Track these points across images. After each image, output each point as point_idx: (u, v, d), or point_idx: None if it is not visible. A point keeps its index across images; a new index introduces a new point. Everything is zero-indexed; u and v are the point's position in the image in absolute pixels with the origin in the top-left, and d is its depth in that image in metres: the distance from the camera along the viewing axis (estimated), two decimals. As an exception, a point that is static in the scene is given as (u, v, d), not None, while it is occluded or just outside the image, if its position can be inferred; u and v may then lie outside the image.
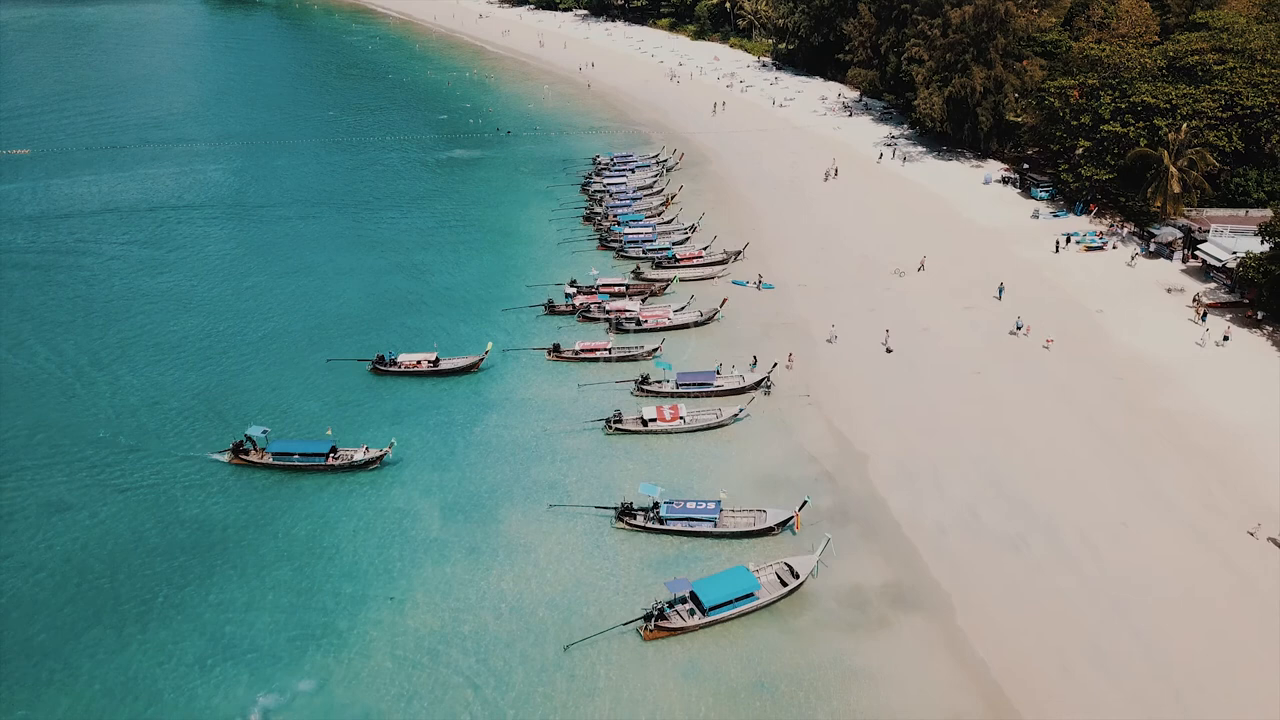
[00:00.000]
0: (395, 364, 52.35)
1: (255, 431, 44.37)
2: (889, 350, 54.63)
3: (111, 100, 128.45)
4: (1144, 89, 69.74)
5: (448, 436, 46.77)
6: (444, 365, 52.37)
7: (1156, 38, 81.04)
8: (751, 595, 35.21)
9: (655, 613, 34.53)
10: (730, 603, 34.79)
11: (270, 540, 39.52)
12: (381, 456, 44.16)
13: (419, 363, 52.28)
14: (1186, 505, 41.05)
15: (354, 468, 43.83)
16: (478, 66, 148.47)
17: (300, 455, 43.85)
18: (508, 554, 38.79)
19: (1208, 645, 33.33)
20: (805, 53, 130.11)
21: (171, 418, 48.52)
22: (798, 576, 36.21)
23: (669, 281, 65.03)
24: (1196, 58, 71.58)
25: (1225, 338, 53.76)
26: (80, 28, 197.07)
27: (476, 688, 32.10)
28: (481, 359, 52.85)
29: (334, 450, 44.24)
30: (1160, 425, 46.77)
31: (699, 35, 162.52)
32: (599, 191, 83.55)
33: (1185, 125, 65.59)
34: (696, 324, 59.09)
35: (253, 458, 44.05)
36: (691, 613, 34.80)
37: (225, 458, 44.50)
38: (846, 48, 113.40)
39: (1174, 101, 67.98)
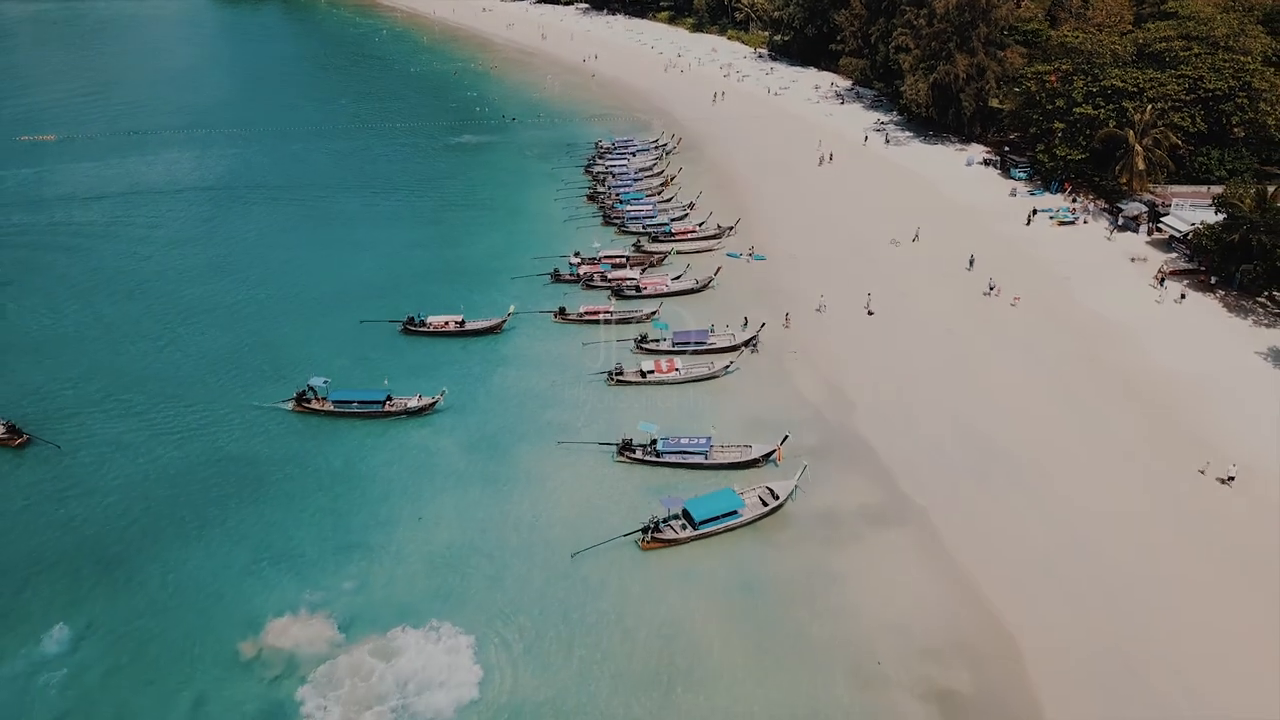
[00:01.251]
0: (425, 324, 56.92)
1: (317, 381, 48.76)
2: (870, 313, 59.20)
3: (130, 89, 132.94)
4: (1114, 74, 74.24)
5: (468, 387, 51.18)
6: (470, 326, 56.98)
7: (1130, 26, 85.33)
8: (736, 513, 39.86)
9: (652, 526, 39.22)
10: (717, 518, 39.46)
11: (312, 473, 44.09)
12: (434, 403, 48.63)
13: (447, 323, 56.90)
14: (1135, 444, 45.55)
15: (408, 414, 48.22)
16: (482, 58, 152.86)
17: (359, 403, 48.28)
18: (521, 482, 43.42)
19: (1141, 560, 37.61)
20: (800, 44, 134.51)
21: (229, 372, 52.93)
22: (777, 498, 40.89)
23: (667, 253, 69.65)
24: (1164, 45, 76.05)
25: (1182, 296, 58.40)
26: (93, 21, 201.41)
27: (499, 587, 36.78)
28: (505, 320, 57.50)
29: (389, 398, 48.60)
30: (1116, 376, 51.38)
31: (697, 28, 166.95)
32: (602, 173, 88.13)
33: (1150, 107, 70.06)
34: (692, 291, 63.66)
35: (314, 405, 48.48)
36: (684, 527, 39.45)
37: (289, 406, 48.91)
38: (838, 38, 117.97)
39: (1141, 85, 72.47)
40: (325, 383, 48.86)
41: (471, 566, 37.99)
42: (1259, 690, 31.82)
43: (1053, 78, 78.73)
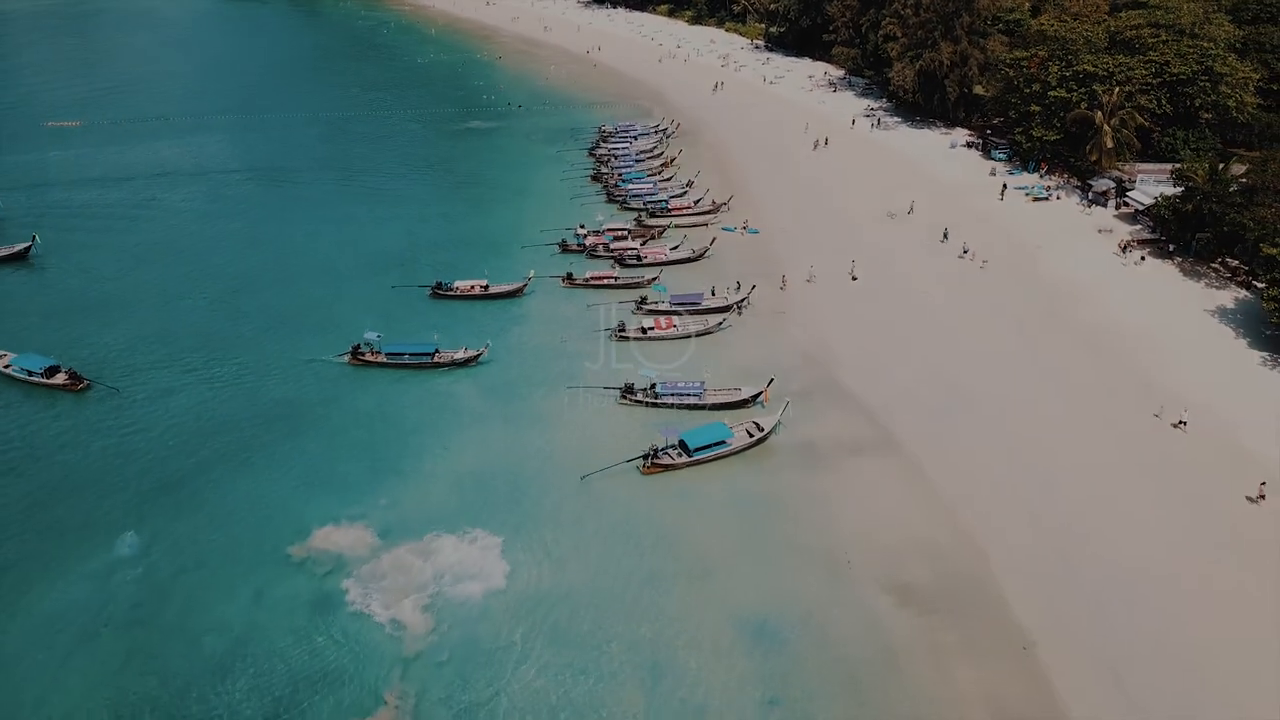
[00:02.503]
0: (452, 289, 61.76)
1: (370, 336, 53.51)
2: (854, 279, 64.04)
3: (145, 78, 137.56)
4: (1087, 59, 78.93)
5: (486, 341, 55.60)
6: (493, 290, 61.86)
7: (1106, 15, 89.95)
8: (725, 443, 44.78)
9: (651, 454, 44.16)
10: (709, 447, 44.38)
11: (349, 413, 48.91)
12: (478, 355, 53.31)
13: (473, 287, 61.81)
14: (1094, 389, 50.31)
15: (455, 365, 52.92)
16: (488, 49, 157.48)
17: (410, 355, 53.02)
18: (534, 420, 48.35)
19: (1095, 488, 41.98)
20: (795, 35, 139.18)
21: (273, 329, 57.69)
22: (763, 430, 45.83)
23: (666, 227, 74.53)
24: (1134, 32, 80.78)
25: (1142, 258, 63.40)
26: (101, 16, 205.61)
27: (519, 502, 41.70)
28: (526, 284, 62.38)
29: (438, 351, 53.30)
30: (1077, 330, 56.29)
31: (696, 20, 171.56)
32: (605, 155, 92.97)
33: (1118, 90, 74.81)
34: (689, 260, 68.50)
35: (368, 358, 53.22)
36: (680, 454, 44.36)
37: (345, 359, 53.57)
38: (831, 28, 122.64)
39: (1111, 70, 77.19)
40: (378, 337, 53.59)
41: (493, 487, 42.90)
42: (1181, 585, 36.71)
43: (1032, 64, 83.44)
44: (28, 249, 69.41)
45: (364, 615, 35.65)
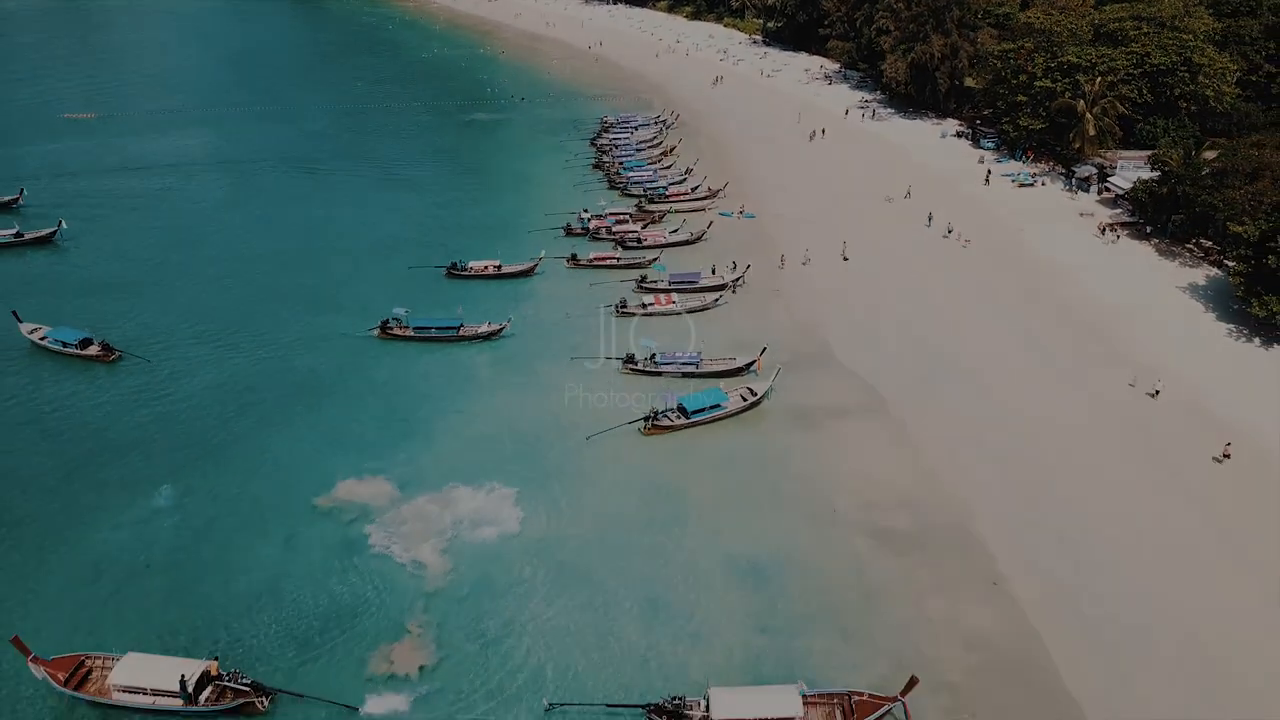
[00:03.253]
0: (467, 269, 64.85)
1: (399, 311, 56.50)
2: (846, 259, 67.11)
3: (155, 73, 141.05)
4: (1072, 51, 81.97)
5: (498, 318, 58.55)
6: (506, 270, 64.96)
7: (1091, 9, 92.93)
8: (720, 406, 47.84)
9: (652, 416, 47.22)
10: (705, 409, 47.43)
11: (368, 382, 51.94)
12: (501, 329, 56.31)
13: (486, 267, 64.93)
14: (1071, 360, 53.23)
15: (479, 338, 55.93)
16: (491, 44, 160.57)
17: (436, 329, 56.04)
18: (542, 388, 51.34)
19: (1069, 448, 44.73)
20: (791, 30, 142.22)
21: (296, 305, 60.81)
22: (756, 395, 48.91)
23: (665, 212, 77.60)
24: (1117, 24, 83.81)
25: (1117, 236, 66.46)
26: (113, 11, 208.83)
27: (529, 459, 44.68)
28: (536, 264, 65.53)
29: (462, 325, 56.27)
30: (1056, 305, 59.40)
31: (695, 16, 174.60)
32: (606, 145, 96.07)
33: (1100, 80, 77.82)
34: (688, 243, 71.57)
35: (397, 332, 56.21)
36: (678, 416, 47.42)
37: (375, 333, 56.53)
38: (826, 22, 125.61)
39: (1094, 61, 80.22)
40: (406, 312, 56.62)
41: (505, 446, 45.89)
42: (1143, 530, 39.71)
43: (1020, 55, 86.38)
44: (54, 233, 72.47)
45: (387, 556, 38.64)
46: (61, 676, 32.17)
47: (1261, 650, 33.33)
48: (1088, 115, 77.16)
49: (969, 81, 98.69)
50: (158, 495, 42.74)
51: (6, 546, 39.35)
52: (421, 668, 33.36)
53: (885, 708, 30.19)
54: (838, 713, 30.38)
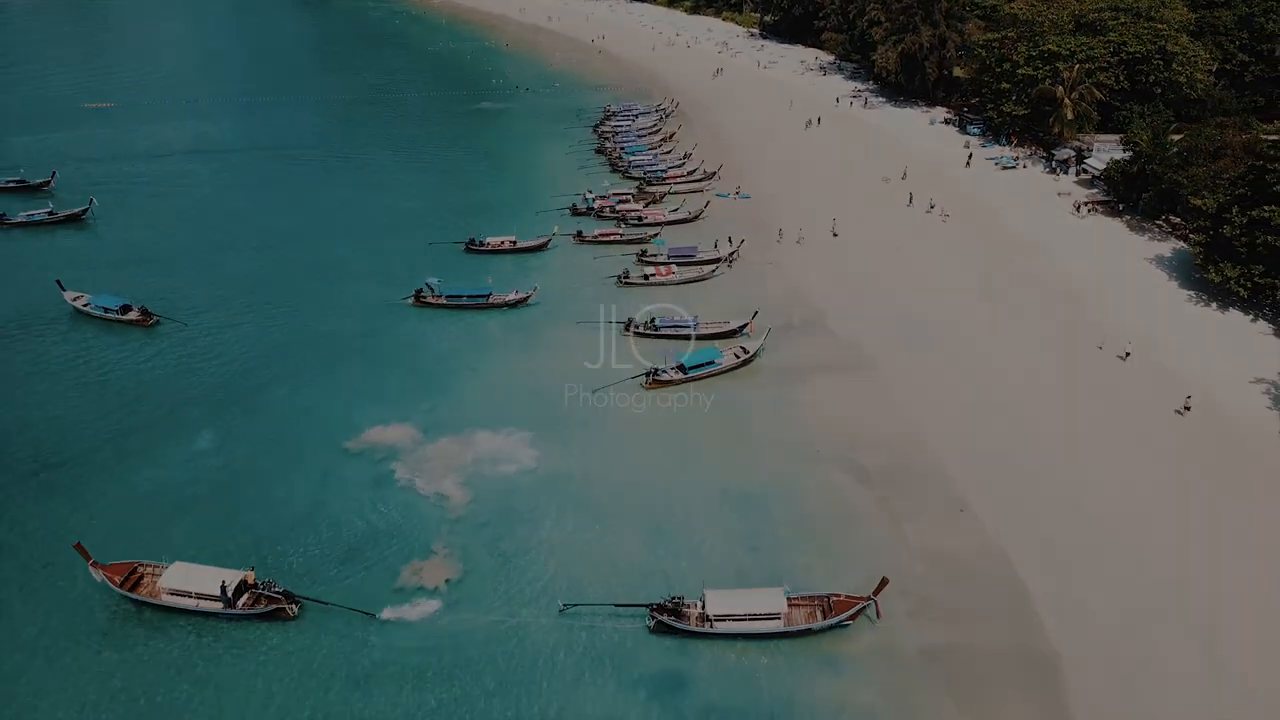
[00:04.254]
0: (484, 244, 68.98)
1: (432, 280, 60.55)
2: (835, 235, 71.18)
3: (167, 65, 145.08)
4: (1053, 40, 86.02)
5: (508, 290, 62.41)
6: (521, 245, 69.08)
7: (1073, 0, 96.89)
8: (715, 363, 51.97)
9: (653, 372, 51.30)
10: (702, 366, 51.53)
11: (389, 344, 56.00)
12: (528, 297, 60.31)
13: (502, 242, 69.07)
14: (1044, 325, 57.15)
15: (507, 305, 59.93)
16: (495, 38, 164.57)
17: (467, 297, 60.05)
18: (552, 349, 55.38)
19: (1036, 401, 48.57)
20: (788, 23, 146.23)
21: (323, 276, 64.85)
22: (748, 353, 53.03)
23: (664, 193, 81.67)
24: (1096, 15, 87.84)
25: (1088, 211, 70.65)
26: (123, 6, 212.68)
27: (540, 408, 48.65)
28: (549, 240, 69.70)
29: (492, 293, 60.23)
30: (1031, 275, 63.29)
31: (694, 10, 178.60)
32: (608, 132, 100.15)
33: (1078, 67, 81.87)
34: (686, 221, 75.64)
35: (430, 300, 60.24)
36: (677, 372, 51.50)
37: (410, 301, 60.56)
38: (820, 15, 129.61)
39: (1073, 49, 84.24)
40: (438, 281, 60.69)
41: (520, 398, 49.91)
42: (1101, 469, 43.76)
43: (1004, 45, 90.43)
44: (85, 211, 76.54)
45: (413, 490, 42.68)
46: (117, 579, 36.34)
47: (1196, 558, 37.45)
48: (1066, 101, 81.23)
49: (958, 71, 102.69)
50: (200, 439, 46.85)
51: (67, 479, 43.49)
52: (448, 580, 37.40)
53: (859, 605, 34.28)
54: (818, 611, 34.48)
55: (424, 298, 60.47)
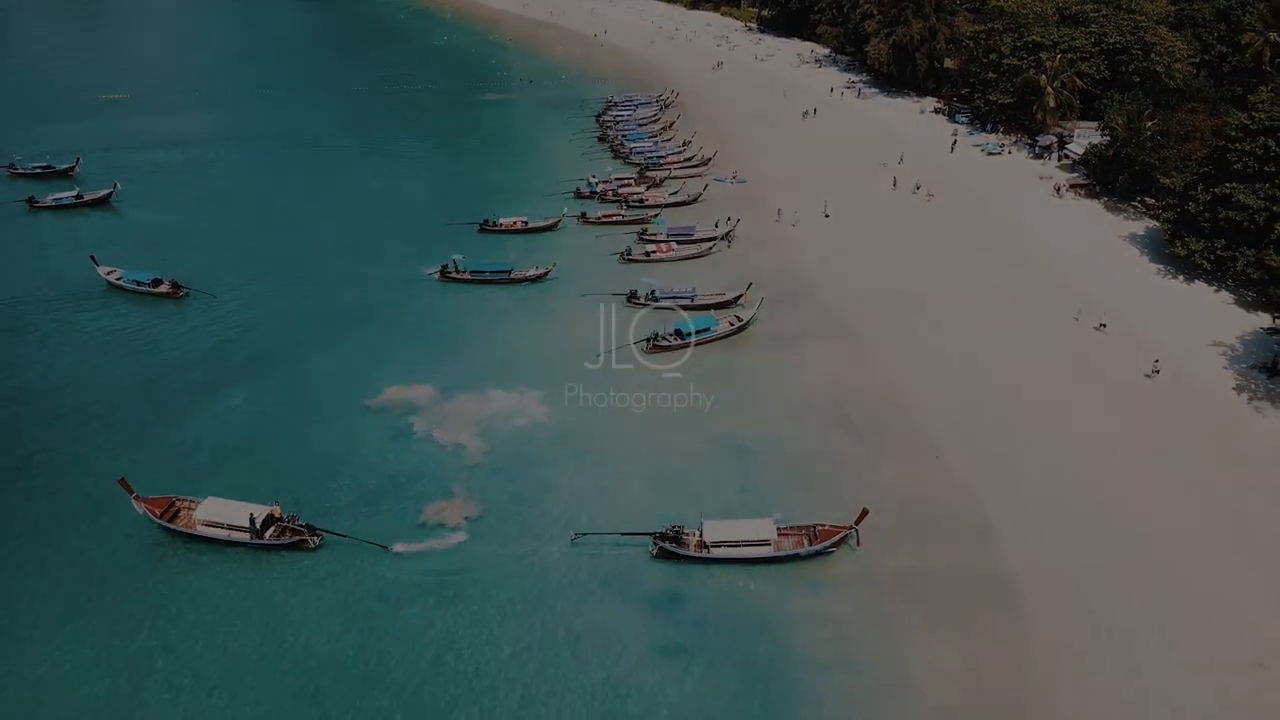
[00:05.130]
0: (498, 224, 72.70)
1: (457, 257, 64.16)
2: (826, 215, 74.83)
3: (181, 58, 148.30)
4: (1036, 31, 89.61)
5: (529, 266, 65.66)
6: (532, 225, 72.85)
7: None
8: (711, 330, 55.64)
9: (653, 337, 54.95)
10: (699, 332, 55.18)
11: (407, 313, 59.75)
12: (547, 273, 63.97)
13: (515, 223, 72.82)
14: (1022, 297, 60.67)
15: (528, 280, 63.63)
16: (499, 32, 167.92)
17: (491, 272, 63.77)
18: (560, 319, 58.95)
19: (1012, 364, 52.22)
20: (785, 17, 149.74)
21: (348, 254, 68.44)
22: (742, 321, 56.72)
23: (665, 177, 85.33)
24: (1078, 7, 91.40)
25: (1064, 191, 74.46)
26: (124, 4, 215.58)
27: (550, 370, 52.10)
28: (559, 221, 73.51)
29: (513, 269, 63.95)
30: (1009, 252, 67.03)
31: (693, 5, 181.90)
32: (610, 121, 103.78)
33: (1060, 56, 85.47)
34: (685, 203, 79.28)
35: (455, 275, 63.78)
36: (675, 338, 55.13)
37: (436, 276, 64.14)
38: (816, 9, 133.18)
39: (1056, 40, 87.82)
40: (463, 258, 64.31)
41: (531, 362, 53.44)
42: (1068, 423, 47.39)
43: (990, 37, 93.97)
44: (110, 194, 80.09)
45: (432, 440, 46.26)
46: (157, 511, 40.05)
47: (1150, 494, 41.12)
48: (1049, 89, 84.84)
49: (948, 63, 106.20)
50: (232, 396, 50.51)
51: (110, 430, 47.17)
52: (467, 518, 40.98)
53: (842, 534, 37.96)
54: (805, 539, 38.13)
55: (449, 273, 64.02)
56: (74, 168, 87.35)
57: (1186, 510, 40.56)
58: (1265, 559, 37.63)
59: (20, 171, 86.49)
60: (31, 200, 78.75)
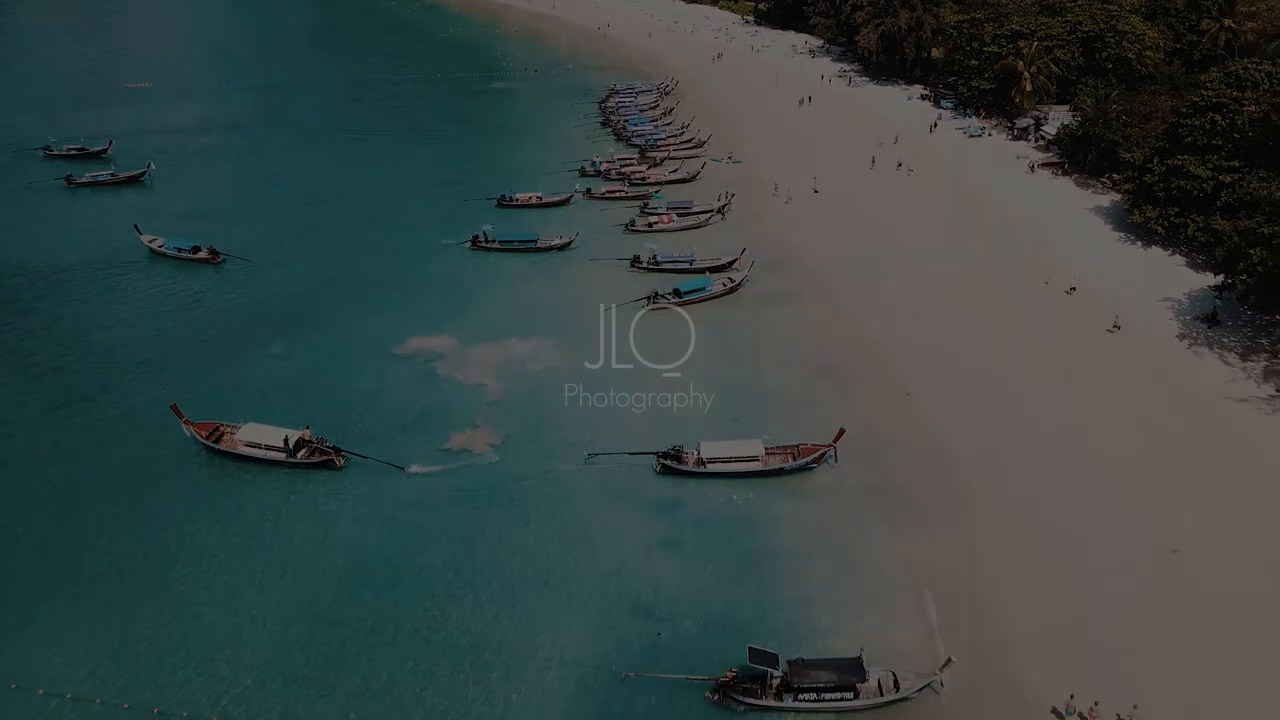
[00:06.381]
0: (514, 199, 78.15)
1: (486, 228, 69.61)
2: (816, 191, 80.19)
3: (198, 49, 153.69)
4: (1016, 20, 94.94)
5: (553, 236, 71.00)
6: (546, 200, 78.37)
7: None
8: (706, 289, 61.04)
9: (653, 295, 60.27)
10: (695, 291, 60.57)
11: (425, 276, 65.12)
12: (570, 242, 69.24)
13: (530, 198, 78.25)
14: (995, 262, 66.01)
15: (553, 249, 68.82)
16: (505, 24, 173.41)
17: (519, 241, 69.11)
18: (569, 281, 64.39)
19: (983, 320, 57.31)
20: (780, 10, 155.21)
21: (376, 226, 73.87)
22: (735, 282, 62.11)
23: (664, 157, 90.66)
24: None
25: (1047, 171, 79.68)
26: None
27: (561, 322, 57.53)
28: (571, 197, 78.98)
29: (539, 239, 69.25)
30: (983, 222, 72.38)
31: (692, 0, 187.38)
32: (612, 107, 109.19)
33: (1036, 44, 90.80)
34: (684, 181, 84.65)
35: (484, 244, 69.09)
36: (674, 297, 60.45)
37: (467, 245, 69.49)
38: (809, 1, 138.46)
39: (1034, 28, 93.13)
40: (492, 228, 69.71)
41: (543, 316, 58.75)
42: (1027, 365, 52.70)
43: (974, 26, 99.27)
44: (144, 173, 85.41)
45: (455, 381, 51.49)
46: (203, 434, 45.46)
47: (1098, 426, 46.48)
48: (1026, 74, 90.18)
49: (935, 53, 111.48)
50: (272, 346, 55.78)
51: (162, 373, 52.49)
52: (491, 445, 46.30)
53: (822, 451, 43.32)
54: (789, 456, 43.47)
55: (480, 242, 69.30)
56: (106, 149, 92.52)
57: (1126, 437, 45.83)
58: (1189, 472, 42.99)
59: (55, 153, 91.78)
60: (70, 178, 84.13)
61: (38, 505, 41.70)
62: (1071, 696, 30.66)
